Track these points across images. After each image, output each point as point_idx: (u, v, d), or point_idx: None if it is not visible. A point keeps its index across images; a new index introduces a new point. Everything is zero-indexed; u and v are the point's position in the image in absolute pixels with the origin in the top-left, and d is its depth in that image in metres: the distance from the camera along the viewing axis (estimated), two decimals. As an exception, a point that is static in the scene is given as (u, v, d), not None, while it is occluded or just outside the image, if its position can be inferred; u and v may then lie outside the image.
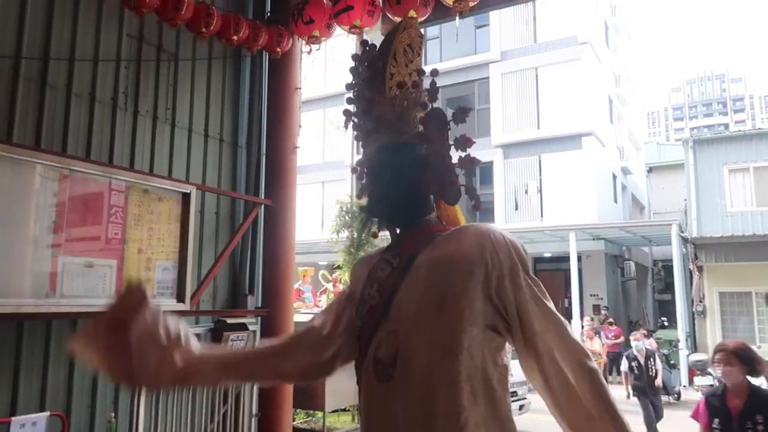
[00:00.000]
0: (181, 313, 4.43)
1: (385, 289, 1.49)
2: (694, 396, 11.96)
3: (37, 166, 3.55)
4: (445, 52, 20.82)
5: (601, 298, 18.23)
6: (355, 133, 1.68)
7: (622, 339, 12.93)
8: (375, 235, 1.75)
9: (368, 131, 1.62)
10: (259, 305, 5.17)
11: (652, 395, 8.40)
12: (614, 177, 21.33)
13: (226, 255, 4.87)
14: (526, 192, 18.93)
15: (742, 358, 3.35)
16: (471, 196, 1.56)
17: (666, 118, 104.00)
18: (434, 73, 1.63)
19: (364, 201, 1.70)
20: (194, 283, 4.58)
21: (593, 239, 17.63)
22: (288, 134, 5.44)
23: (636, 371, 8.71)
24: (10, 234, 3.40)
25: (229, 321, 4.62)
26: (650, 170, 25.64)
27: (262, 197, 5.34)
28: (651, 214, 25.72)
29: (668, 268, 18.79)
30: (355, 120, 1.67)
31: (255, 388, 4.92)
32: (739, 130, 18.18)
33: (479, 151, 19.59)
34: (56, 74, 3.94)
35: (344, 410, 6.35)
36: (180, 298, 4.31)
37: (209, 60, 5.18)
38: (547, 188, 18.66)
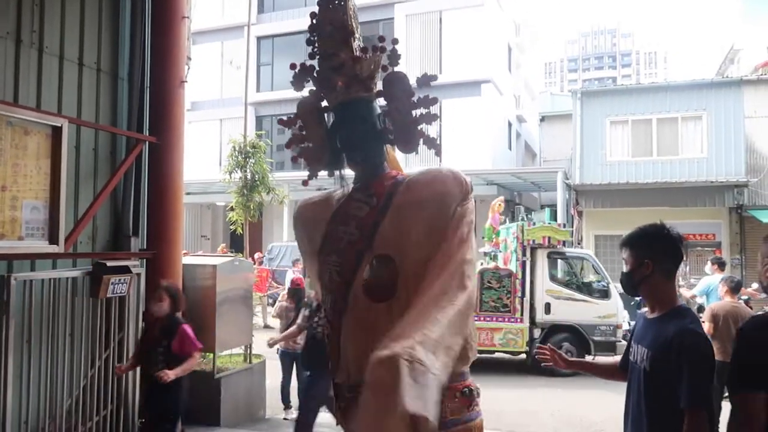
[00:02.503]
0: (55, 256, 4.17)
1: (366, 225, 1.76)
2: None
3: None
4: (350, -11, 20.23)
5: (492, 240, 19.22)
6: (317, 86, 1.89)
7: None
8: (305, 183, 2.04)
9: (334, 86, 1.84)
10: (144, 247, 4.96)
11: None
12: (510, 124, 22.17)
13: (105, 194, 4.58)
14: (427, 136, 19.24)
15: (172, 294, 4.03)
16: (432, 146, 1.90)
17: (561, 69, 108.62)
18: (395, 41, 1.87)
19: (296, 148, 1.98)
20: (70, 224, 4.29)
21: (487, 184, 18.38)
22: (175, 67, 5.11)
23: None
24: None
25: (110, 264, 4.40)
26: (543, 119, 26.82)
27: (146, 134, 5.03)
28: (541, 162, 27.11)
29: (554, 213, 20.10)
30: (317, 75, 1.87)
31: (140, 330, 4.78)
32: (622, 84, 19.31)
33: (382, 94, 19.53)
34: None
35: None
36: (53, 240, 4.02)
37: (82, -21, 4.69)
38: (447, 133, 19.06)
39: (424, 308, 1.54)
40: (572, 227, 17.11)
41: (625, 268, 2.24)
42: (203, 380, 5.46)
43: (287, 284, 11.68)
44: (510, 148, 22.11)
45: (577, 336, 8.78)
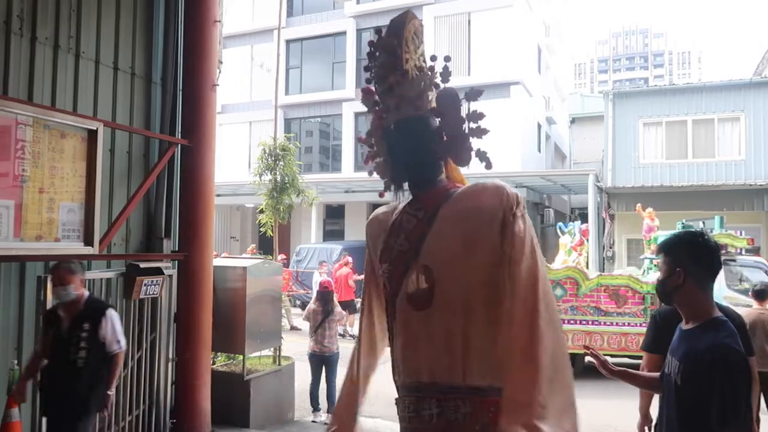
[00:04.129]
0: (90, 257, 4.24)
1: (413, 236, 1.86)
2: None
3: None
4: (378, -9, 20.26)
5: (521, 244, 18.99)
6: (377, 108, 2.00)
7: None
8: (381, 195, 2.11)
9: (389, 107, 1.94)
10: (176, 249, 5.01)
11: None
12: (539, 126, 21.90)
13: (138, 196, 4.64)
14: (455, 139, 19.13)
15: None
16: (482, 159, 1.96)
17: (591, 70, 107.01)
18: (447, 59, 1.96)
19: (373, 165, 2.08)
20: (104, 226, 4.36)
21: (516, 187, 18.17)
22: (207, 70, 5.15)
23: None
24: None
25: (143, 265, 4.45)
26: (573, 121, 26.46)
27: (179, 137, 5.09)
28: (571, 164, 26.75)
29: (584, 216, 19.77)
30: (377, 98, 2.00)
31: (171, 331, 4.83)
32: (655, 85, 18.94)
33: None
34: (-65, -9, 3.51)
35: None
36: (88, 242, 4.09)
37: (118, -15, 4.77)
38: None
39: (524, 365, 1.63)
40: (603, 231, 16.81)
41: (660, 276, 2.14)
42: (233, 382, 5.49)
43: (314, 286, 11.73)
44: (539, 150, 21.84)
45: None
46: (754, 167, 14.88)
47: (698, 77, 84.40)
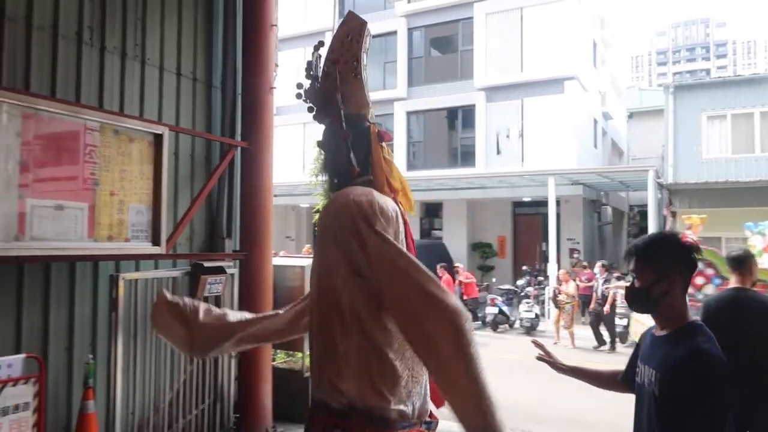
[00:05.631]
0: (157, 257, 4.40)
1: None
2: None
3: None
4: (428, -11, 20.19)
5: (578, 242, 18.56)
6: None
7: (594, 282, 13.24)
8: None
9: (313, 115, 2.08)
10: (237, 248, 5.15)
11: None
12: (595, 122, 21.33)
13: (202, 198, 4.79)
14: (508, 136, 18.86)
15: None
16: (356, 163, 1.99)
17: (649, 63, 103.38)
18: (335, 62, 2.00)
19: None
20: (170, 226, 4.52)
21: (572, 184, 17.77)
22: (264, 74, 5.27)
23: None
24: (-26, 175, 3.28)
25: (207, 264, 4.59)
26: (631, 116, 25.66)
27: (239, 139, 5.22)
28: (629, 160, 25.94)
29: (644, 213, 19.13)
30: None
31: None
32: (719, 77, 18.15)
33: (462, 94, 19.35)
34: (14, 4, 3.71)
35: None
36: (155, 242, 4.25)
37: (180, -7, 4.93)
38: (529, 132, 18.61)
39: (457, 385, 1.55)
40: (665, 229, 16.19)
41: (636, 282, 2.00)
42: (293, 378, 5.60)
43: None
44: (595, 147, 21.26)
45: None
46: (830, 160, 14.05)
47: (765, 67, 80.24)
